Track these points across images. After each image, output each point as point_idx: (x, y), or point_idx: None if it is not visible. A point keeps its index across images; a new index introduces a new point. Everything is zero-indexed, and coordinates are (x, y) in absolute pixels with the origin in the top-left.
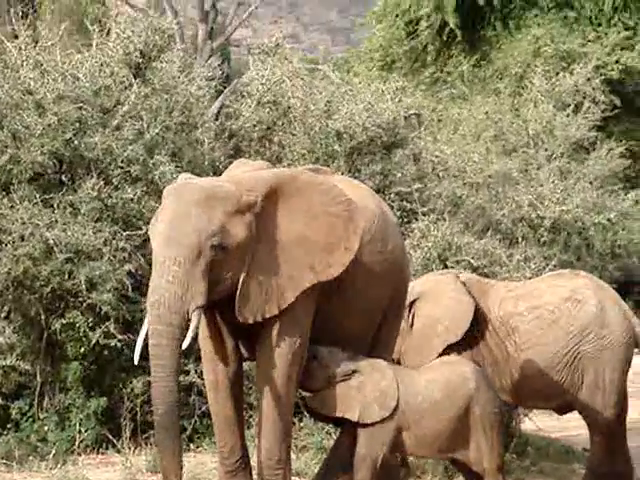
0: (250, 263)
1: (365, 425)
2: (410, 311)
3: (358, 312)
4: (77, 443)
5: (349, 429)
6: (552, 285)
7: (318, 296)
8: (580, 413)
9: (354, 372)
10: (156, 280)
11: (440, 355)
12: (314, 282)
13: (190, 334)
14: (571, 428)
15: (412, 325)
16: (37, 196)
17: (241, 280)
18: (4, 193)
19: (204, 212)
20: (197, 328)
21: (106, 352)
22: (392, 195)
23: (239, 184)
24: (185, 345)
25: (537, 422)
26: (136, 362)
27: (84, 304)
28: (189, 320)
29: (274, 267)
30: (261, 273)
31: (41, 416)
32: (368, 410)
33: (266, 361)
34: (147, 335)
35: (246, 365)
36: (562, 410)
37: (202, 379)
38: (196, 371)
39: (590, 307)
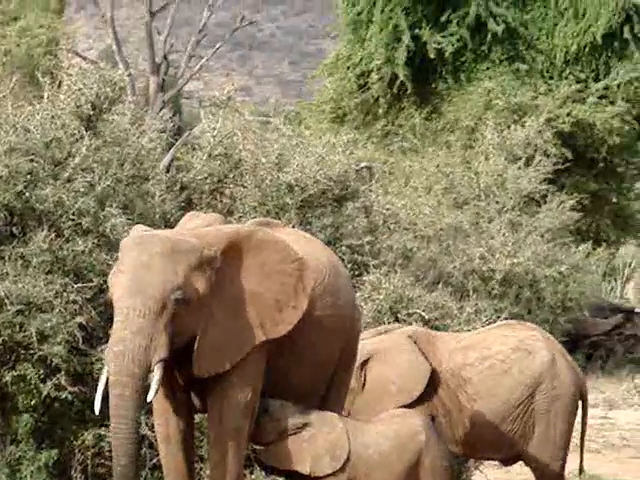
0: (206, 318)
1: (317, 478)
2: (362, 370)
3: (309, 366)
4: None
5: None
6: (501, 335)
7: (269, 350)
8: (529, 464)
9: (305, 425)
10: (119, 331)
11: None
12: (263, 339)
13: (154, 387)
14: None
15: (364, 385)
16: None
17: (198, 335)
18: None
19: (169, 264)
20: (160, 381)
21: (57, 404)
22: (343, 248)
23: (201, 238)
24: (150, 398)
25: (487, 474)
26: (97, 412)
27: (35, 356)
28: (150, 372)
29: (227, 323)
30: (215, 328)
31: None
32: (319, 462)
33: (217, 414)
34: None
35: (197, 417)
36: (509, 461)
37: (153, 431)
38: (147, 424)
39: (542, 358)
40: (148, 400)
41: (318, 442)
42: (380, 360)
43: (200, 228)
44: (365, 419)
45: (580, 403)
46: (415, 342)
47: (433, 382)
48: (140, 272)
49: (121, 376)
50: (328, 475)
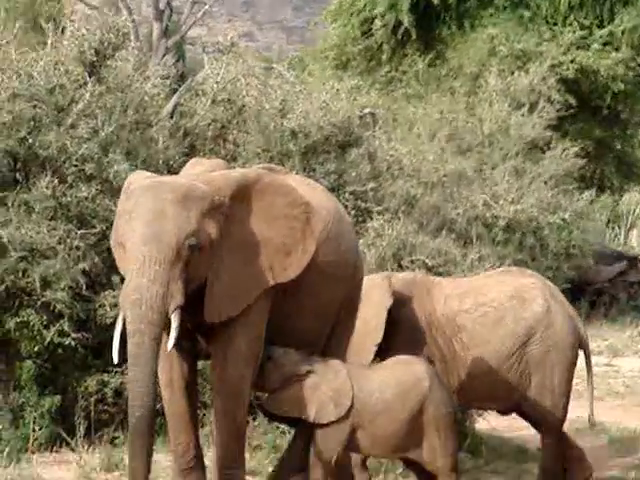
0: (217, 264)
1: (321, 425)
2: None
3: (312, 312)
4: (31, 441)
5: (304, 429)
6: (498, 282)
7: (273, 297)
8: (527, 415)
9: (309, 372)
10: (135, 279)
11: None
12: (271, 284)
13: (173, 334)
14: (525, 427)
15: None
16: None
17: (209, 281)
18: None
19: (182, 211)
20: (178, 328)
21: (60, 350)
22: (346, 194)
23: (209, 183)
24: (170, 346)
25: (491, 421)
26: (116, 361)
27: (38, 302)
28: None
29: (236, 268)
30: (225, 274)
31: None
32: (324, 410)
33: (221, 361)
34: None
35: (200, 364)
36: (508, 411)
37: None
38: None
39: (536, 307)
40: (168, 349)
41: (322, 389)
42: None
43: (205, 174)
44: (368, 366)
45: (582, 353)
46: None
47: (429, 327)
48: (154, 219)
49: (139, 324)
50: (332, 422)
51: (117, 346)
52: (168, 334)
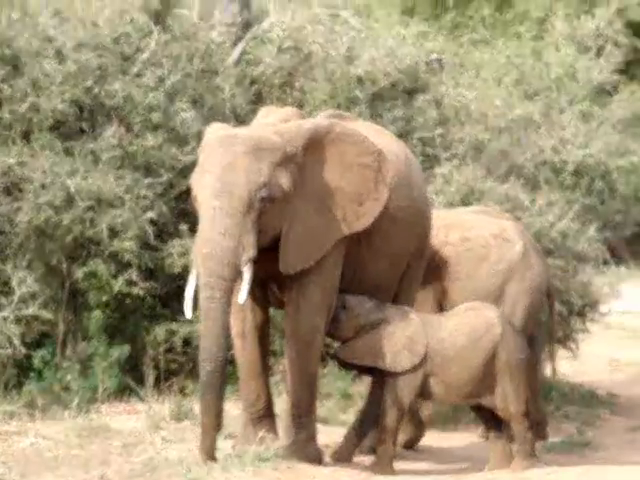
0: (290, 215)
1: (395, 373)
2: None
3: (385, 260)
4: (100, 392)
5: (380, 377)
6: (482, 219)
7: (348, 245)
8: None
9: (382, 321)
10: (208, 232)
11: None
12: (346, 233)
13: (245, 287)
14: (595, 373)
15: None
16: (58, 144)
17: (283, 232)
18: (25, 142)
19: (253, 163)
20: (250, 281)
21: (128, 300)
22: (414, 140)
23: (281, 134)
24: (242, 300)
25: (561, 367)
26: (189, 316)
27: (106, 252)
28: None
29: (310, 219)
30: (299, 225)
31: (64, 365)
32: (398, 358)
33: (295, 310)
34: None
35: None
36: None
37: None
38: None
39: (518, 248)
40: (241, 302)
41: (396, 337)
42: None
43: (278, 123)
44: (440, 313)
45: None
46: None
47: None
48: (225, 172)
49: (211, 278)
50: (406, 370)
51: (190, 301)
52: (240, 286)
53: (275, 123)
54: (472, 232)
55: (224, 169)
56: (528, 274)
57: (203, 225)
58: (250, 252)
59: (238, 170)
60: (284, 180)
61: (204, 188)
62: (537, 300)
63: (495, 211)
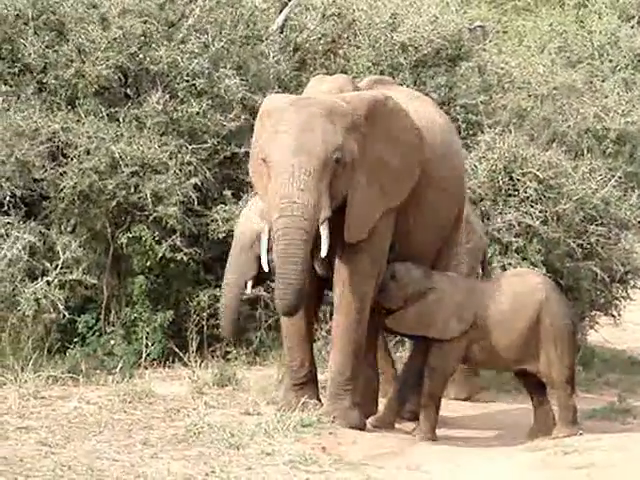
0: (354, 183)
1: (444, 341)
2: None
3: (431, 227)
4: (144, 357)
5: (423, 346)
6: None
7: (395, 216)
8: None
9: (430, 289)
10: (286, 187)
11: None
12: (389, 206)
13: (325, 244)
14: (637, 340)
15: None
16: (102, 110)
17: (348, 201)
18: (70, 107)
19: (329, 125)
20: (329, 238)
21: (172, 265)
22: (457, 107)
23: (348, 102)
24: (324, 254)
25: (603, 334)
26: (266, 269)
27: (150, 218)
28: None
29: (366, 189)
30: (359, 194)
31: (107, 330)
32: (447, 326)
33: (344, 279)
34: None
35: None
36: None
37: (268, 292)
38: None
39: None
40: (322, 256)
41: (445, 305)
42: None
43: (334, 91)
44: (485, 279)
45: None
46: None
47: None
48: (302, 132)
49: (289, 229)
50: (454, 338)
51: (265, 257)
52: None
53: (331, 91)
54: None
55: (301, 129)
56: (470, 236)
57: (280, 181)
58: (327, 211)
59: (315, 130)
60: (353, 146)
61: (279, 147)
62: (475, 258)
63: None
